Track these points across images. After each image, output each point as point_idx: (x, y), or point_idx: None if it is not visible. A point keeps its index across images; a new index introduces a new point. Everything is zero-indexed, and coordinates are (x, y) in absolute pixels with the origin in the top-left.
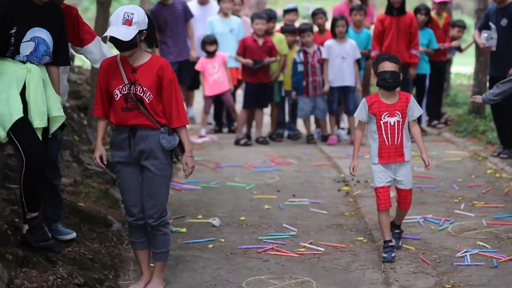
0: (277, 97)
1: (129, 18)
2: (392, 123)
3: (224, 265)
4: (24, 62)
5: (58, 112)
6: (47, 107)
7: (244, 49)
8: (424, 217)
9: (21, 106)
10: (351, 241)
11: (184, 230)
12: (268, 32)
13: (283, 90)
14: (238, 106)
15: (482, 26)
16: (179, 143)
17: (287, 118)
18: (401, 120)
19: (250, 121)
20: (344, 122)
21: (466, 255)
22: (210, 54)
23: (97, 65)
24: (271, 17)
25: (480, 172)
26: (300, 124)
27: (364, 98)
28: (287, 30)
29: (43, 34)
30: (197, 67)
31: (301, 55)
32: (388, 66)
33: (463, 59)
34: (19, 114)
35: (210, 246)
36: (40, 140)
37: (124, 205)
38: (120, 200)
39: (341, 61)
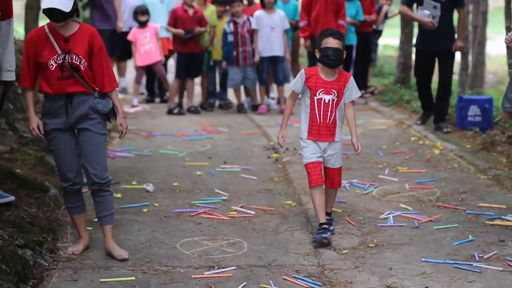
0: (205, 67)
1: None
2: (326, 101)
3: (159, 228)
4: None
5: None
6: None
7: (175, 19)
8: (350, 181)
9: None
10: (280, 205)
11: (119, 195)
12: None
13: (211, 60)
14: (170, 76)
15: (411, 2)
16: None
17: (217, 88)
18: (336, 99)
19: (181, 91)
20: (274, 91)
21: (389, 217)
22: (142, 24)
23: None
24: None
25: (404, 139)
26: (230, 94)
27: (303, 69)
28: (218, 0)
29: None
30: (129, 37)
31: (231, 25)
32: (331, 42)
33: (390, 30)
34: None
35: (145, 210)
36: None
37: (59, 171)
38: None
39: (270, 31)
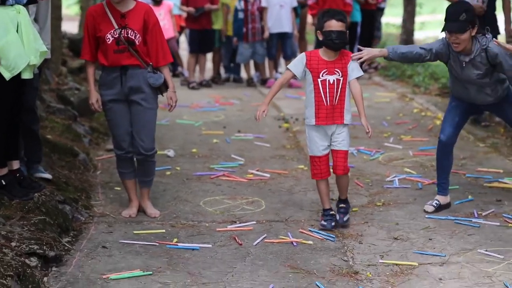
0: (217, 43)
1: None
2: (331, 82)
3: (182, 189)
4: (12, 5)
5: (42, 47)
6: None
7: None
8: (357, 148)
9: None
10: (293, 169)
11: None
12: None
13: (223, 36)
14: (181, 52)
15: None
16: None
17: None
18: (341, 79)
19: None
20: (282, 66)
21: (395, 179)
22: (157, 3)
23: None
24: None
25: (407, 111)
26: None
27: (303, 53)
28: None
29: None
30: None
31: (242, 3)
32: (334, 25)
33: (391, 9)
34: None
35: (168, 173)
36: (15, 90)
37: (113, 139)
38: (82, 134)
39: (279, 9)
